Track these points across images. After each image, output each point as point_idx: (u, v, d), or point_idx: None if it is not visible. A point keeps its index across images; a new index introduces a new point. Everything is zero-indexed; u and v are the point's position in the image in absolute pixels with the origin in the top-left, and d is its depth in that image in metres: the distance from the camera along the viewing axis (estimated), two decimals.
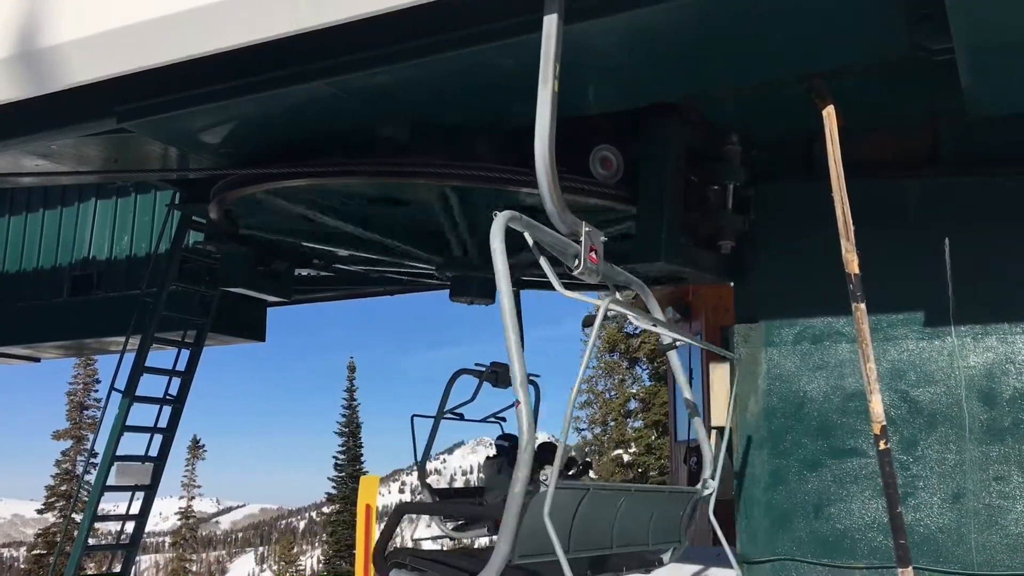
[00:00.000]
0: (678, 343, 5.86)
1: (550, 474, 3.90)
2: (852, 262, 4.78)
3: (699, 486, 5.81)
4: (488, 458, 9.84)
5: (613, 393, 42.88)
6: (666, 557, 5.82)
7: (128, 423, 10.25)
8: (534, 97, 5.66)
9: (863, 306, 4.82)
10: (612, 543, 5.00)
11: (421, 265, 7.98)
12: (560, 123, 5.95)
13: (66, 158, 7.28)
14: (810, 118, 5.31)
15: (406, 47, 4.99)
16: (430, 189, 6.36)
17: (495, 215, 3.98)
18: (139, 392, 10.29)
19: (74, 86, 5.32)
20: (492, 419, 9.19)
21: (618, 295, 5.08)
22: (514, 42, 4.78)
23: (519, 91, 5.54)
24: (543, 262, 4.14)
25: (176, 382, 10.83)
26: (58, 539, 38.01)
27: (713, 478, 5.70)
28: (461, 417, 8.77)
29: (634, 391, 42.59)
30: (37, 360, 14.08)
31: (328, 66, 5.22)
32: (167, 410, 10.77)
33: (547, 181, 4.26)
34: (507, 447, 9.34)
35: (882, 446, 4.73)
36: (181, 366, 10.85)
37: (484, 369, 8.38)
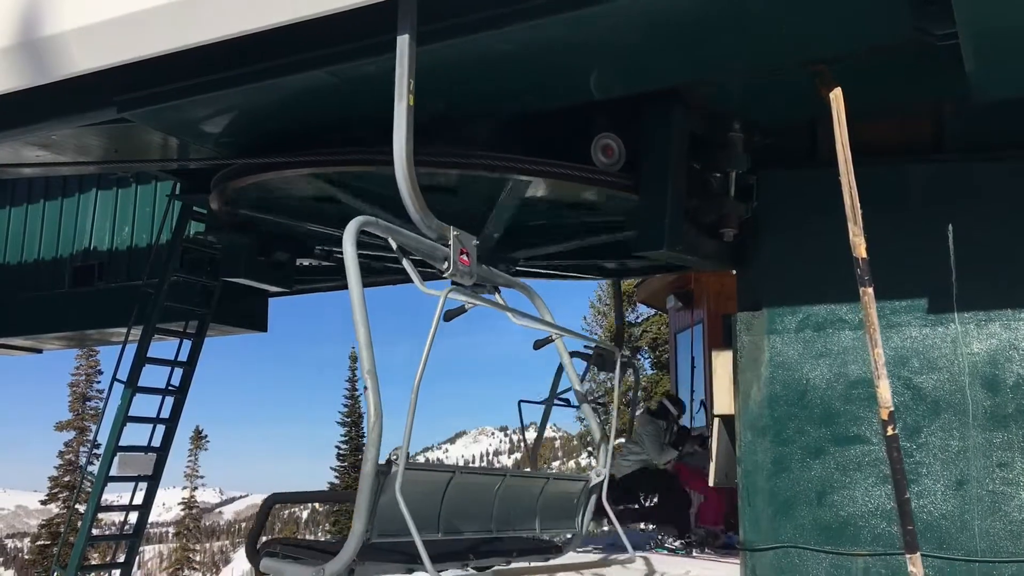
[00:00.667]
0: (555, 337, 5.95)
1: (400, 453, 3.99)
2: (860, 247, 4.75)
3: (591, 473, 5.84)
4: (647, 412, 10.19)
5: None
6: (568, 543, 5.84)
7: (131, 414, 10.26)
8: (535, 85, 5.65)
9: (871, 291, 4.79)
10: (492, 527, 5.05)
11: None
12: (562, 110, 5.98)
13: (66, 149, 7.25)
14: (813, 104, 5.28)
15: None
16: (431, 177, 6.34)
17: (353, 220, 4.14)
18: (141, 383, 10.30)
19: (74, 75, 5.30)
20: (593, 403, 9.19)
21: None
22: (515, 29, 4.76)
23: (519, 79, 5.54)
24: (406, 264, 4.30)
25: (178, 372, 10.83)
26: (62, 530, 38.13)
27: (605, 466, 5.71)
28: (568, 403, 8.73)
29: None
30: (39, 351, 14.08)
31: (327, 55, 5.20)
32: (169, 401, 10.78)
33: (408, 190, 4.48)
34: (674, 414, 9.68)
35: (890, 432, 4.72)
36: (183, 357, 10.84)
37: (591, 353, 8.42)
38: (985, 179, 6.10)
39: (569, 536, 5.87)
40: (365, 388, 4.01)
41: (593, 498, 5.79)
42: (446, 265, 4.48)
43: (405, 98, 4.49)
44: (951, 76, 5.22)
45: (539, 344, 6.17)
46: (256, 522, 5.27)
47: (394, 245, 4.30)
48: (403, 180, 4.50)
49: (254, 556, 4.83)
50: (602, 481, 5.67)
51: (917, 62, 5.43)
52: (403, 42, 4.47)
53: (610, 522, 5.91)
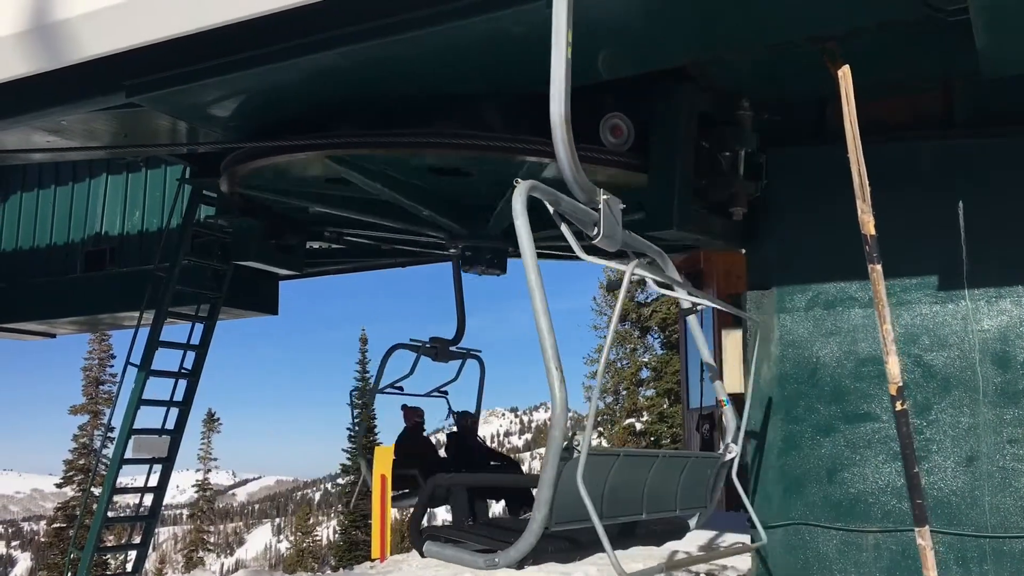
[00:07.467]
0: (699, 308, 5.87)
1: (582, 439, 3.92)
2: (868, 223, 4.75)
3: (722, 451, 5.84)
4: None
5: (625, 362, 42.99)
6: (692, 522, 5.83)
7: (144, 397, 10.34)
8: (544, 66, 5.63)
9: (879, 267, 4.79)
10: (643, 509, 5.01)
11: (431, 236, 7.97)
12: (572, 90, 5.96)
13: (76, 134, 7.28)
14: (822, 82, 5.26)
15: (415, 16, 4.96)
16: (442, 158, 6.34)
17: (517, 183, 3.96)
18: (154, 366, 10.36)
19: (84, 60, 5.32)
20: (435, 394, 9.32)
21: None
22: (525, 10, 4.74)
23: (530, 60, 5.53)
24: (565, 230, 4.14)
25: (191, 356, 10.89)
26: (78, 512, 38.49)
27: (736, 443, 5.72)
28: (401, 391, 8.94)
29: (646, 360, 42.69)
30: (53, 336, 14.18)
31: (336, 36, 5.19)
32: (182, 384, 10.85)
33: (564, 148, 4.11)
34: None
35: (899, 407, 4.73)
36: (195, 340, 10.90)
37: (421, 344, 8.77)
38: (995, 155, 6.08)
39: (696, 515, 5.82)
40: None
41: (723, 475, 5.80)
42: (595, 230, 4.26)
43: (563, 50, 4.08)
44: (961, 52, 5.19)
45: (685, 313, 6.14)
46: (418, 506, 5.21)
47: (551, 209, 4.10)
48: (560, 139, 4.08)
49: (416, 539, 4.73)
50: (733, 458, 5.68)
51: (926, 38, 5.39)
52: None
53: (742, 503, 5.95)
